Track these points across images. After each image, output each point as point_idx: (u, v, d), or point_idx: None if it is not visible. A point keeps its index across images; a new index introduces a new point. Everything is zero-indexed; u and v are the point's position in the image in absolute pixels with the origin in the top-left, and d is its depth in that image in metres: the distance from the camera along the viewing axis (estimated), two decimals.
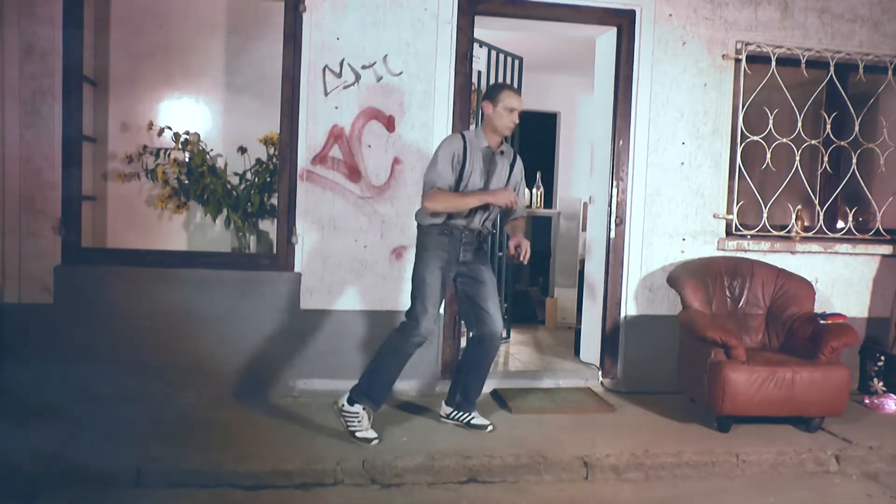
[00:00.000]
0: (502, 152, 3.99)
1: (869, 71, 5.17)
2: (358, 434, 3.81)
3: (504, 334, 6.18)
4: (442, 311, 4.74)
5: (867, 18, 5.17)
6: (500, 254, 6.14)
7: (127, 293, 4.41)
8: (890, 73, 5.21)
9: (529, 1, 4.82)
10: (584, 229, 6.02)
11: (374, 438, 3.80)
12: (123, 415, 4.09)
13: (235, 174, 4.83)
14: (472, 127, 4.08)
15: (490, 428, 4.08)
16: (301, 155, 4.56)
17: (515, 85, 5.98)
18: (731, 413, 4.18)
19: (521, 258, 3.91)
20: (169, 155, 4.70)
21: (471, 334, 4.12)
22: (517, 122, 3.92)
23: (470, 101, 4.85)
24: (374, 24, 4.59)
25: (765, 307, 4.80)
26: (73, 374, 4.31)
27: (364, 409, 3.86)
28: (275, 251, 4.69)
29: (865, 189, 5.30)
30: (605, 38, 5.18)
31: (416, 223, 4.01)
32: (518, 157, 4.13)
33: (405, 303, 4.09)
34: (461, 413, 4.14)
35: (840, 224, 5.42)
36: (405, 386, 4.59)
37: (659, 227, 5.00)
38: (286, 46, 4.54)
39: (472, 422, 4.10)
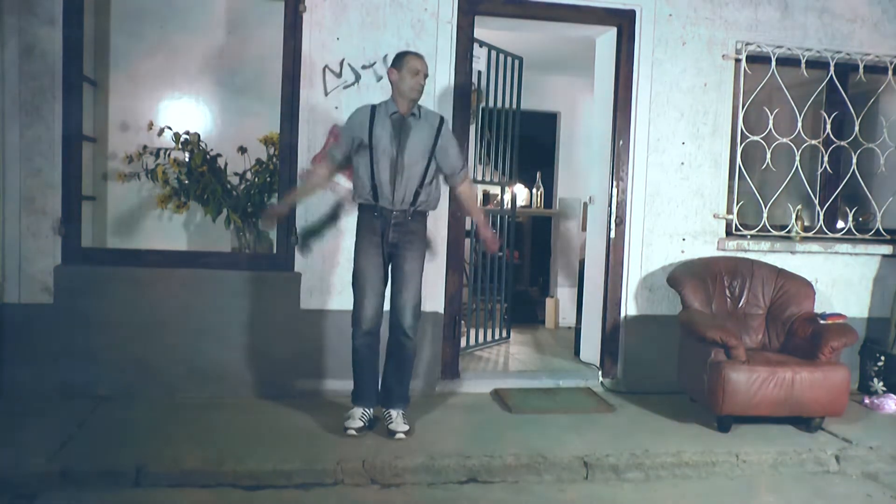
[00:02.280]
0: (415, 115, 3.97)
1: (869, 71, 5.17)
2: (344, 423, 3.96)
3: (505, 334, 6.20)
4: (442, 310, 4.76)
5: (867, 18, 5.17)
6: (500, 254, 6.14)
7: (127, 293, 4.41)
8: (890, 73, 5.21)
9: (529, 1, 4.82)
10: (584, 229, 6.02)
11: (350, 429, 3.90)
12: (123, 415, 4.10)
13: (235, 174, 4.83)
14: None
15: (399, 436, 3.89)
16: (301, 155, 4.56)
17: (515, 85, 6.00)
18: (731, 413, 4.18)
19: (490, 251, 3.98)
20: (169, 155, 4.69)
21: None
22: (423, 84, 3.96)
23: (470, 100, 4.85)
24: (373, 24, 4.59)
25: (765, 307, 4.80)
26: (73, 374, 4.32)
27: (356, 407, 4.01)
28: (275, 251, 4.69)
29: (865, 189, 5.30)
30: (605, 38, 5.18)
31: None
32: (445, 120, 4.06)
33: None
34: (383, 410, 4.02)
35: (840, 224, 5.42)
36: None
37: (659, 227, 5.00)
38: (286, 46, 4.54)
39: (389, 426, 3.94)
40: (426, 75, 3.99)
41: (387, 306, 4.02)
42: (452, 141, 4.07)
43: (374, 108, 3.98)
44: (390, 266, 4.00)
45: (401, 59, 3.97)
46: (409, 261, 3.96)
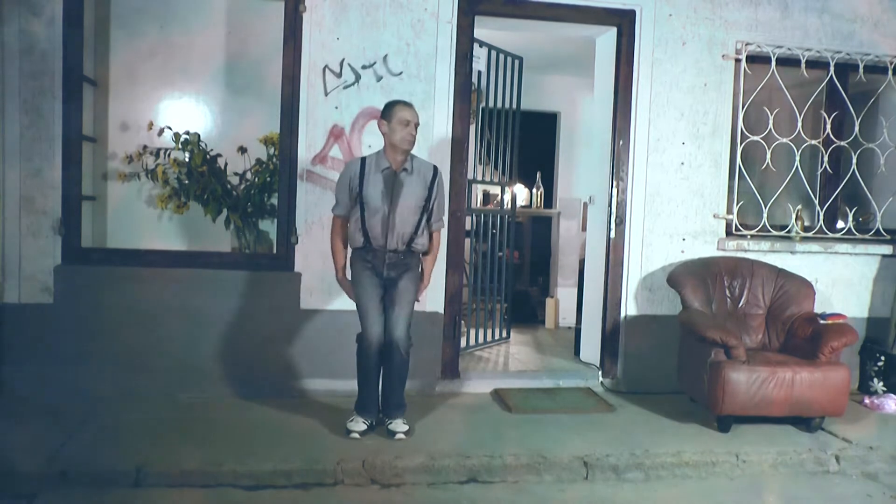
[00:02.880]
0: (407, 170, 3.95)
1: (869, 71, 5.17)
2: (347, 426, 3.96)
3: (505, 334, 6.20)
4: (442, 310, 4.76)
5: (867, 18, 5.17)
6: (500, 254, 6.14)
7: (127, 293, 4.41)
8: (890, 73, 5.21)
9: (529, 1, 4.82)
10: (584, 229, 6.02)
11: (353, 431, 3.91)
12: (123, 415, 4.10)
13: (235, 174, 4.83)
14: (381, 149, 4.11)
15: (399, 436, 3.90)
16: (301, 155, 4.56)
17: (515, 85, 5.99)
18: (731, 413, 4.18)
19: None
20: (169, 155, 4.70)
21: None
22: (414, 134, 3.92)
23: (470, 101, 4.85)
24: (374, 24, 4.59)
25: (765, 307, 4.80)
26: (73, 374, 4.31)
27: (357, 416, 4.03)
28: (275, 251, 4.69)
29: (865, 189, 5.29)
30: (605, 38, 5.18)
31: None
32: (438, 172, 4.06)
33: None
34: (385, 419, 4.03)
35: (840, 224, 5.42)
36: (406, 386, 4.58)
37: (659, 227, 5.00)
38: (286, 46, 4.54)
39: (390, 427, 3.96)
40: (417, 125, 3.94)
41: None
42: (443, 193, 4.11)
43: (363, 161, 3.97)
44: (390, 290, 3.99)
45: (389, 109, 3.93)
46: (404, 280, 3.98)
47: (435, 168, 4.07)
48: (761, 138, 5.10)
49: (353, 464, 3.56)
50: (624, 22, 4.94)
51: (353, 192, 3.94)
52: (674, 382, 4.77)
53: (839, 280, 5.21)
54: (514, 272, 6.60)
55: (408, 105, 3.96)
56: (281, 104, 4.57)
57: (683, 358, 4.65)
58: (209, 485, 3.40)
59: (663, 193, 5.00)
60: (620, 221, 5.00)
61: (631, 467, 3.76)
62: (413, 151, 4.01)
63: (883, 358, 5.04)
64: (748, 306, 4.79)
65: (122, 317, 4.39)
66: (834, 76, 5.16)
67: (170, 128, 4.70)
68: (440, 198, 4.09)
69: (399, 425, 3.94)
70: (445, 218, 4.31)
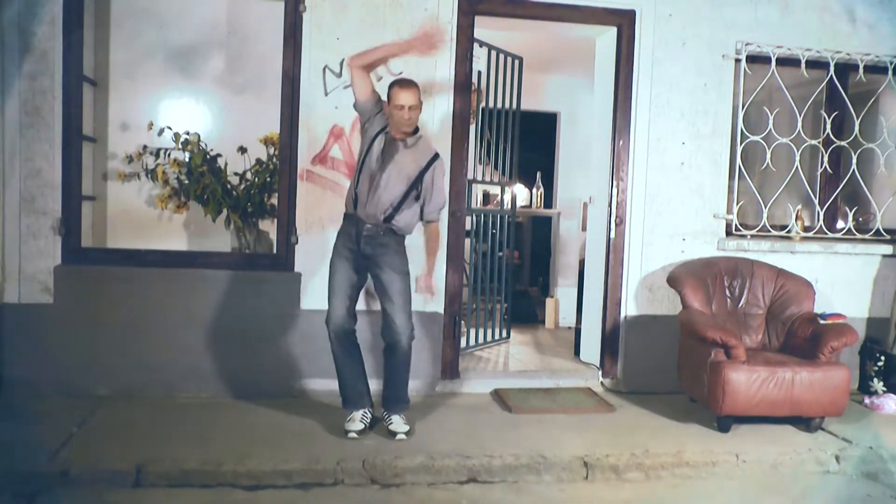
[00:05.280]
0: (405, 143, 3.91)
1: (869, 71, 5.18)
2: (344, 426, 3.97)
3: (505, 334, 6.20)
4: (442, 310, 4.75)
5: (867, 18, 5.17)
6: (500, 254, 6.14)
7: (127, 293, 4.41)
8: (890, 73, 5.21)
9: (529, 1, 4.82)
10: (584, 229, 6.02)
11: (350, 431, 3.91)
12: (123, 415, 4.10)
13: (235, 174, 4.83)
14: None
15: (400, 436, 3.89)
16: (301, 155, 4.56)
17: (515, 85, 5.99)
18: (731, 413, 4.18)
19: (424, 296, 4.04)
20: (169, 155, 4.70)
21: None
22: (411, 118, 3.84)
23: (470, 101, 4.85)
24: (374, 24, 4.59)
25: (765, 307, 4.80)
26: (73, 374, 4.32)
27: (352, 411, 4.03)
28: (275, 251, 4.69)
29: (865, 189, 5.30)
30: (605, 38, 5.18)
31: None
32: (437, 158, 3.98)
33: None
34: (387, 414, 4.02)
35: (840, 224, 5.42)
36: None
37: (659, 227, 5.00)
38: (286, 46, 4.54)
39: (390, 427, 3.95)
40: (412, 107, 3.82)
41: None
42: (440, 185, 4.02)
43: (388, 122, 3.96)
44: (372, 278, 4.00)
45: (390, 90, 3.90)
46: (385, 271, 3.92)
47: (435, 154, 3.99)
48: (761, 138, 5.10)
49: (353, 464, 3.56)
50: (624, 22, 4.94)
51: (374, 113, 3.90)
52: (674, 382, 4.77)
53: (839, 280, 5.21)
54: (514, 272, 6.60)
55: (406, 88, 3.84)
56: (281, 104, 4.57)
57: (683, 358, 4.65)
58: (209, 485, 3.40)
59: (663, 193, 5.00)
60: (620, 221, 5.00)
61: (631, 467, 3.76)
62: None
63: (883, 358, 5.04)
64: (748, 306, 4.80)
65: (122, 317, 4.39)
66: (834, 76, 5.16)
67: (170, 128, 4.70)
68: (436, 188, 3.98)
69: (399, 425, 3.94)
70: (442, 213, 4.19)
